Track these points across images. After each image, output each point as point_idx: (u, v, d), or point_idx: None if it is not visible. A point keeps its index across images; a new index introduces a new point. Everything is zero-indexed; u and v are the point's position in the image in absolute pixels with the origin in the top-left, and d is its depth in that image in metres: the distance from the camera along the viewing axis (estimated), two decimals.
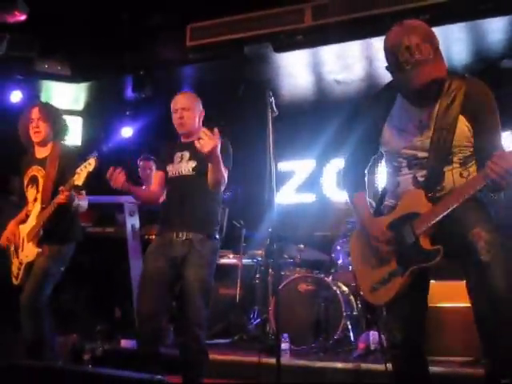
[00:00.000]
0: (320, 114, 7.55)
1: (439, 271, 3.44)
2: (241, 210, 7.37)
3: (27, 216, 4.58)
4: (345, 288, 5.95)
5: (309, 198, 8.12)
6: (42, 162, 4.56)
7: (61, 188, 4.20)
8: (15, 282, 4.51)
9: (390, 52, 2.75)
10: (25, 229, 4.54)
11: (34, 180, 4.57)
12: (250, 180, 6.21)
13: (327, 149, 7.66)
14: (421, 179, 2.85)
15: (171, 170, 4.14)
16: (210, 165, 3.81)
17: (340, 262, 6.15)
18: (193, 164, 4.06)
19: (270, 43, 5.94)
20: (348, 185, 3.17)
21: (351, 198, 3.13)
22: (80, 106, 7.90)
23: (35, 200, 4.51)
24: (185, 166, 4.08)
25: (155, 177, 4.33)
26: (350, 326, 5.63)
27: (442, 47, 2.61)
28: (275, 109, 3.84)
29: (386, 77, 6.81)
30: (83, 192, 4.48)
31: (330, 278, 5.93)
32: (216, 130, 3.63)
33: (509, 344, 2.53)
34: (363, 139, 3.09)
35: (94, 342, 5.52)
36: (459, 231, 2.67)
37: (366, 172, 3.14)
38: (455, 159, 2.82)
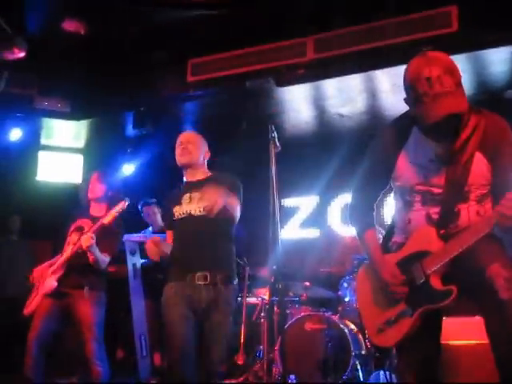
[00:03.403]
0: (324, 148, 7.45)
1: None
2: (244, 247, 7.24)
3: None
4: (353, 326, 5.79)
5: (313, 233, 7.98)
6: (94, 219, 4.94)
7: (86, 230, 4.77)
8: (25, 311, 4.88)
9: (409, 83, 2.61)
10: (52, 268, 4.90)
11: (79, 228, 4.97)
12: (253, 216, 6.12)
13: (332, 183, 7.56)
14: (434, 216, 2.70)
15: (178, 210, 4.00)
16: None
17: (347, 299, 5.97)
18: (203, 204, 3.89)
19: (272, 77, 5.86)
20: (356, 221, 3.02)
21: (360, 235, 2.97)
22: (81, 144, 7.83)
23: (74, 244, 4.87)
24: (195, 206, 3.96)
25: (168, 235, 4.16)
26: (359, 366, 5.45)
27: None
28: (278, 144, 3.76)
29: (390, 109, 6.76)
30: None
31: (337, 316, 5.77)
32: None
33: None
34: (373, 173, 2.93)
35: None
36: (475, 268, 2.52)
37: (374, 207, 2.99)
38: (472, 196, 2.69)
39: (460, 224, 2.67)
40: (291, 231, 8.03)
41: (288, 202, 8.09)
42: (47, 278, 4.86)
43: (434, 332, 2.78)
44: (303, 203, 8.09)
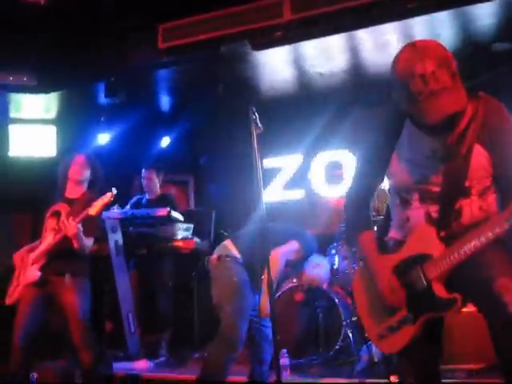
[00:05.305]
0: (304, 107, 7.23)
1: None
2: (227, 212, 7.10)
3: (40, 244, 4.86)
4: (342, 292, 5.69)
5: (297, 194, 7.80)
6: (70, 202, 4.87)
7: (71, 218, 4.56)
8: (7, 300, 4.79)
9: (399, 80, 2.36)
10: (33, 255, 4.80)
11: (56, 213, 4.84)
12: (235, 181, 5.95)
13: (314, 142, 7.36)
14: (434, 215, 2.52)
15: None
16: None
17: (335, 266, 5.87)
18: None
19: (248, 41, 5.56)
20: (351, 222, 2.83)
21: (355, 233, 2.74)
22: (52, 115, 7.51)
23: (53, 230, 4.75)
24: None
25: None
26: (350, 334, 5.37)
27: (430, 35, 2.30)
28: (260, 125, 3.57)
29: (371, 67, 6.51)
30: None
31: (327, 284, 5.66)
32: None
33: None
34: (366, 171, 2.73)
35: None
36: (482, 279, 2.34)
37: (372, 198, 2.78)
38: (473, 191, 2.50)
39: (463, 221, 2.50)
40: (275, 193, 7.83)
41: (270, 161, 7.86)
42: (28, 266, 4.74)
43: (436, 337, 2.65)
44: (286, 163, 7.88)
